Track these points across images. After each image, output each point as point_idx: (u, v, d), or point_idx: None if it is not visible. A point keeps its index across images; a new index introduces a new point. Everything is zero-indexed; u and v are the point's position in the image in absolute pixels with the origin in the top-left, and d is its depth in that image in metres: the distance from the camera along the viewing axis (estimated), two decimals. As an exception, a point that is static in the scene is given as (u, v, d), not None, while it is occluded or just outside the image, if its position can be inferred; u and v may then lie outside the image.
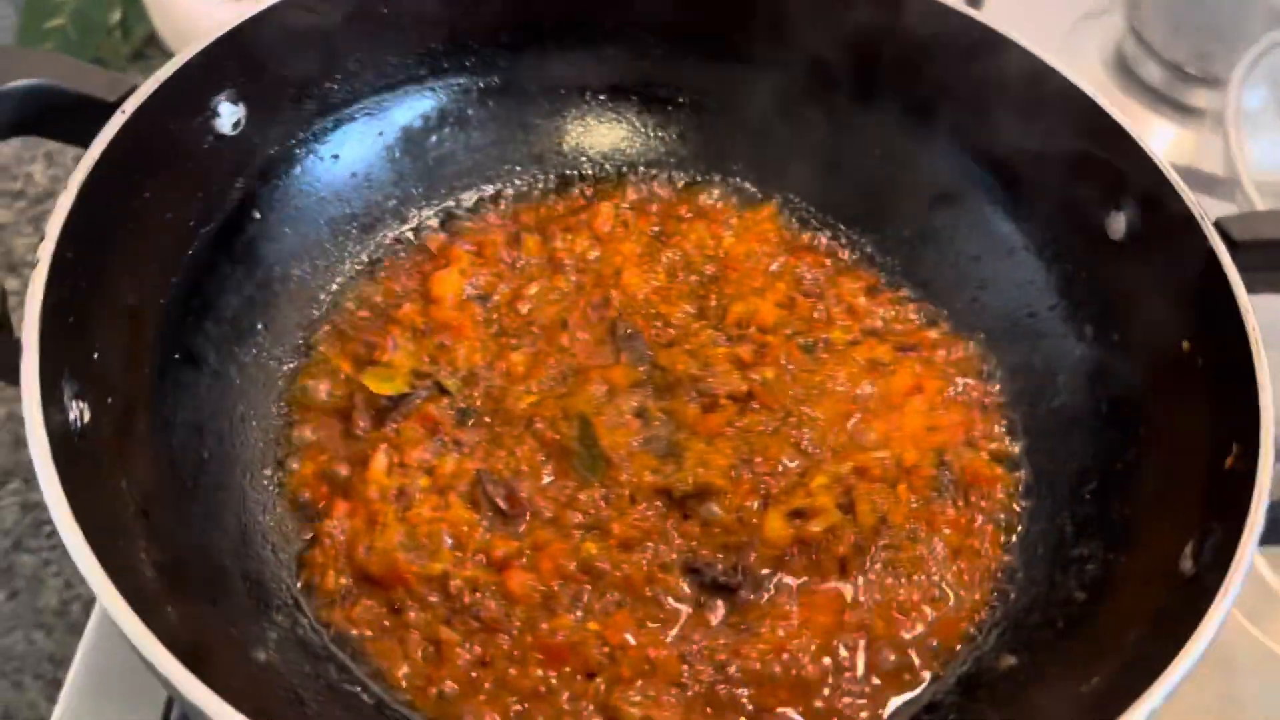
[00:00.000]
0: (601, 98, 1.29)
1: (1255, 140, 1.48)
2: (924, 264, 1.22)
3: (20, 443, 1.29)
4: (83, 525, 0.75)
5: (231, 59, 1.04)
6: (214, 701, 0.70)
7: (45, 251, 0.86)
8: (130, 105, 0.96)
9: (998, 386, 1.15)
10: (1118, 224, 1.07)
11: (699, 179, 1.29)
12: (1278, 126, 1.53)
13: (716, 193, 1.28)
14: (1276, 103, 1.56)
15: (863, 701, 0.95)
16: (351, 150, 1.20)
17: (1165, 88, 1.70)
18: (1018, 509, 1.07)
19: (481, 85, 1.25)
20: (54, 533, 1.21)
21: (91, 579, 0.74)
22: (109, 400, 0.89)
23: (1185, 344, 0.99)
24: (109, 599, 0.73)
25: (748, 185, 1.29)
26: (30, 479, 1.26)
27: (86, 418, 0.85)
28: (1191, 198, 1.00)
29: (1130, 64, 1.73)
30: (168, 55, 1.38)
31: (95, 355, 0.90)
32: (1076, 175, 1.10)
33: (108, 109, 0.96)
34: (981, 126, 1.16)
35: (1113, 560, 0.97)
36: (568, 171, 1.29)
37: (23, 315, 0.82)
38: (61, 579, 1.19)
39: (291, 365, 1.11)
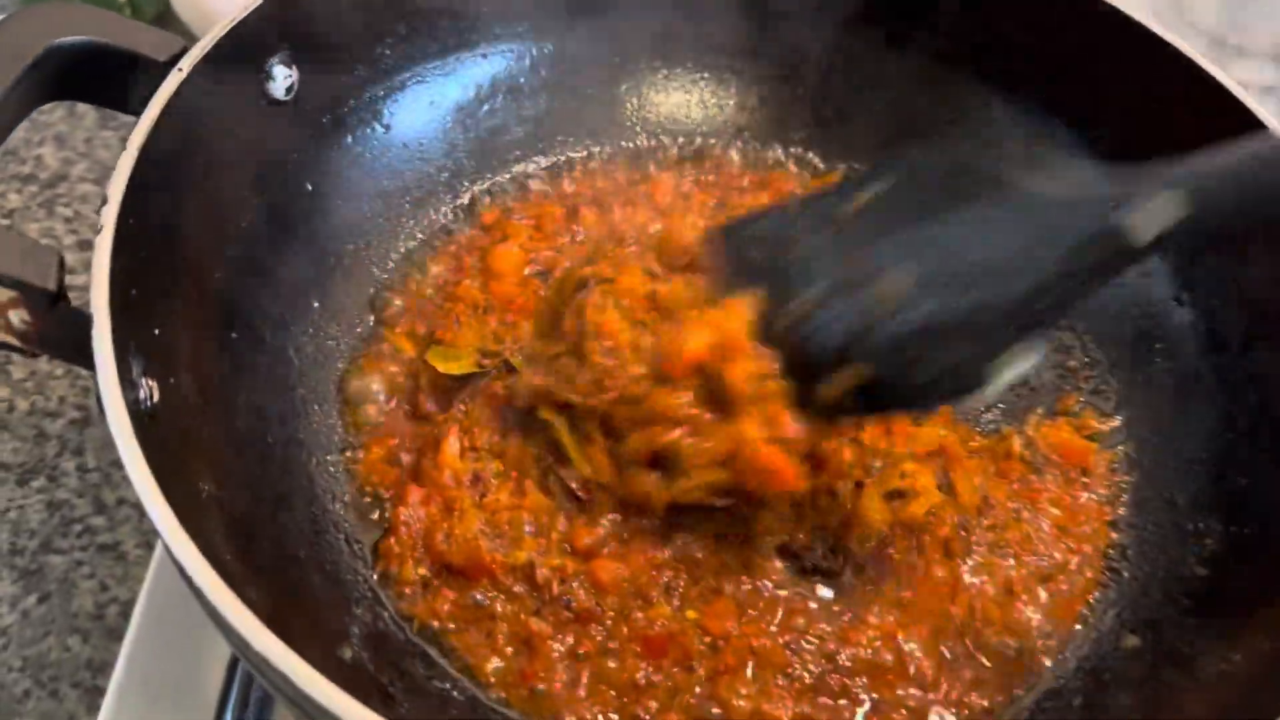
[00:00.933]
0: (657, 64, 1.23)
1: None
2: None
3: (44, 436, 1.21)
4: (175, 509, 0.68)
5: (284, 19, 0.99)
6: (319, 681, 0.64)
7: (110, 215, 0.79)
8: (186, 64, 0.90)
9: (1086, 358, 1.10)
10: (1215, 186, 1.02)
11: (761, 149, 1.23)
12: (1330, 97, 1.50)
13: (779, 163, 1.22)
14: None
15: (983, 689, 0.90)
16: (403, 120, 1.14)
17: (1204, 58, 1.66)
18: (1122, 483, 1.02)
19: (535, 52, 1.19)
20: (84, 532, 1.17)
21: (187, 561, 0.67)
22: (172, 380, 0.83)
23: (1294, 309, 0.95)
24: (204, 578, 0.66)
25: (811, 155, 1.23)
26: (56, 476, 1.19)
27: (155, 397, 0.79)
28: (1297, 150, 0.95)
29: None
30: (184, 34, 1.32)
31: (157, 331, 0.83)
32: (1169, 138, 1.05)
33: (158, 69, 0.90)
34: (1069, 85, 1.11)
35: (1235, 534, 0.93)
36: (624, 143, 1.23)
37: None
38: (95, 580, 1.12)
39: (350, 344, 1.05)
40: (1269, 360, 0.98)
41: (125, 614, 1.07)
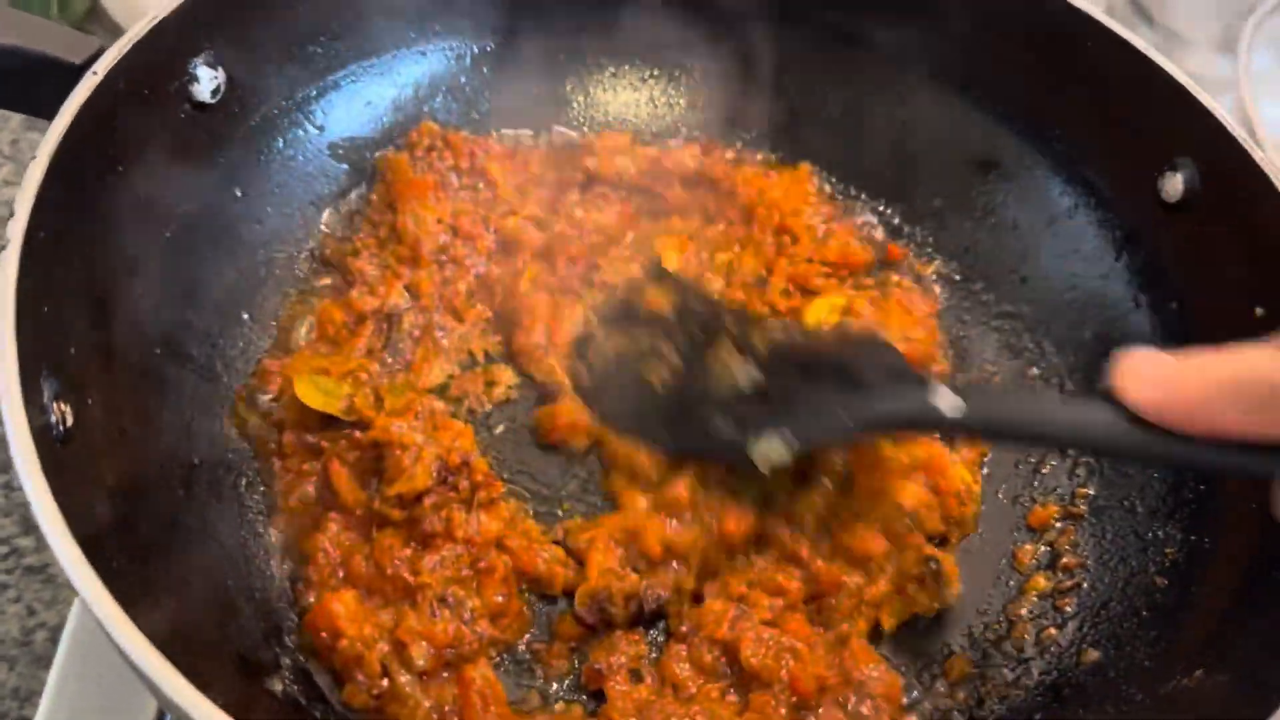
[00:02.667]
0: (604, 61, 1.20)
1: (1268, 103, 1.44)
2: (957, 235, 1.14)
3: (-35, 458, 1.16)
4: (83, 546, 0.63)
5: (210, 18, 0.94)
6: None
7: (16, 230, 0.74)
8: (101, 67, 0.85)
9: (1045, 364, 1.08)
10: (1173, 185, 1.00)
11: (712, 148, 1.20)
12: (1283, 89, 1.49)
13: (731, 161, 1.19)
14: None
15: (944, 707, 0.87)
16: (337, 121, 1.09)
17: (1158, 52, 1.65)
18: (1081, 491, 0.99)
19: (476, 50, 1.15)
20: (10, 554, 1.11)
21: (96, 605, 0.63)
22: (89, 402, 0.78)
23: (1258, 310, 0.93)
24: (115, 624, 0.62)
25: (763, 155, 1.20)
26: (-23, 500, 1.13)
27: (69, 421, 0.74)
28: (1260, 154, 0.94)
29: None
30: (113, 30, 1.27)
31: (73, 351, 0.79)
32: (1125, 135, 1.04)
33: (73, 72, 0.85)
34: (1024, 84, 1.09)
35: (1195, 543, 0.91)
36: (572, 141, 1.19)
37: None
38: (22, 605, 1.07)
39: (284, 359, 1.00)
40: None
41: (54, 640, 1.03)
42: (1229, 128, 0.96)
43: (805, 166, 1.16)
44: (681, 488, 0.90)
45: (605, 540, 0.89)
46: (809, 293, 1.07)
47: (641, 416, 0.93)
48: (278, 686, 0.79)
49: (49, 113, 0.83)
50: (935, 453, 0.95)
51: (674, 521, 0.90)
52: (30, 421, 0.68)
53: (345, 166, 1.09)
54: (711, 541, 0.89)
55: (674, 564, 0.89)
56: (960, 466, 0.95)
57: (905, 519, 0.90)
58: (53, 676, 0.95)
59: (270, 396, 0.96)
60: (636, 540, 0.89)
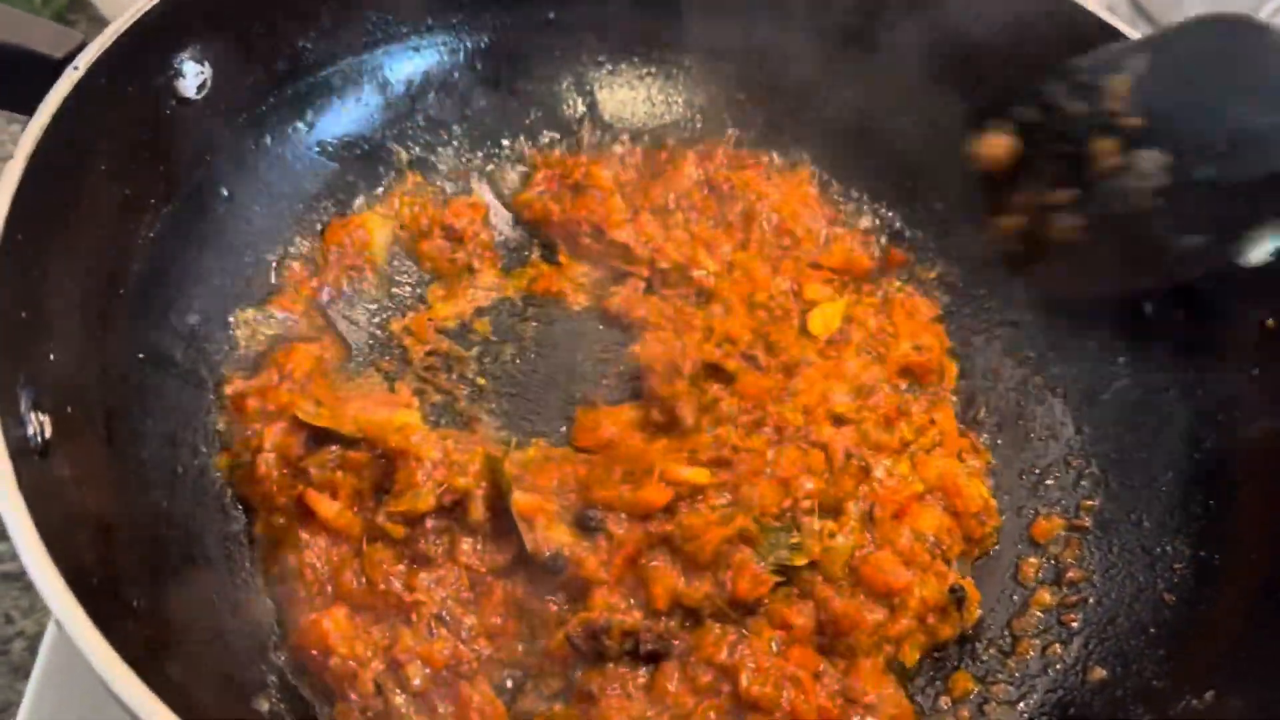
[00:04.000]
0: (601, 59, 1.17)
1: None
2: (960, 239, 1.12)
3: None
4: (59, 564, 0.61)
5: (195, 11, 0.91)
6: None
7: (-7, 230, 0.71)
8: (82, 62, 0.82)
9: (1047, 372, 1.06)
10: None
11: (712, 146, 1.17)
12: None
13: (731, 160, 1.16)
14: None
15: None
16: (326, 119, 1.06)
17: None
18: (1086, 503, 0.97)
19: (469, 45, 1.12)
20: (-16, 560, 1.09)
21: (72, 626, 0.60)
22: (69, 410, 0.76)
23: (1269, 321, 0.92)
24: (90, 644, 0.60)
25: (764, 152, 1.17)
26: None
27: (48, 432, 0.71)
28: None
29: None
30: (96, 20, 1.23)
31: (52, 357, 0.76)
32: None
33: (54, 67, 0.82)
34: (1022, 87, 1.06)
35: (1204, 559, 0.89)
36: (567, 144, 1.16)
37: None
38: (-1, 613, 1.05)
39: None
40: (1237, 377, 0.94)
41: (32, 649, 1.01)
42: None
43: (805, 170, 1.14)
44: (711, 535, 0.85)
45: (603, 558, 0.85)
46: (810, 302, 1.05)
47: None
48: (264, 706, 0.77)
49: (28, 109, 0.81)
50: (948, 471, 0.93)
51: (686, 577, 0.85)
52: (6, 432, 0.65)
53: (335, 165, 1.06)
54: (722, 599, 0.84)
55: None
56: (976, 482, 0.93)
57: (927, 548, 0.88)
58: (31, 687, 0.92)
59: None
60: (644, 585, 0.85)
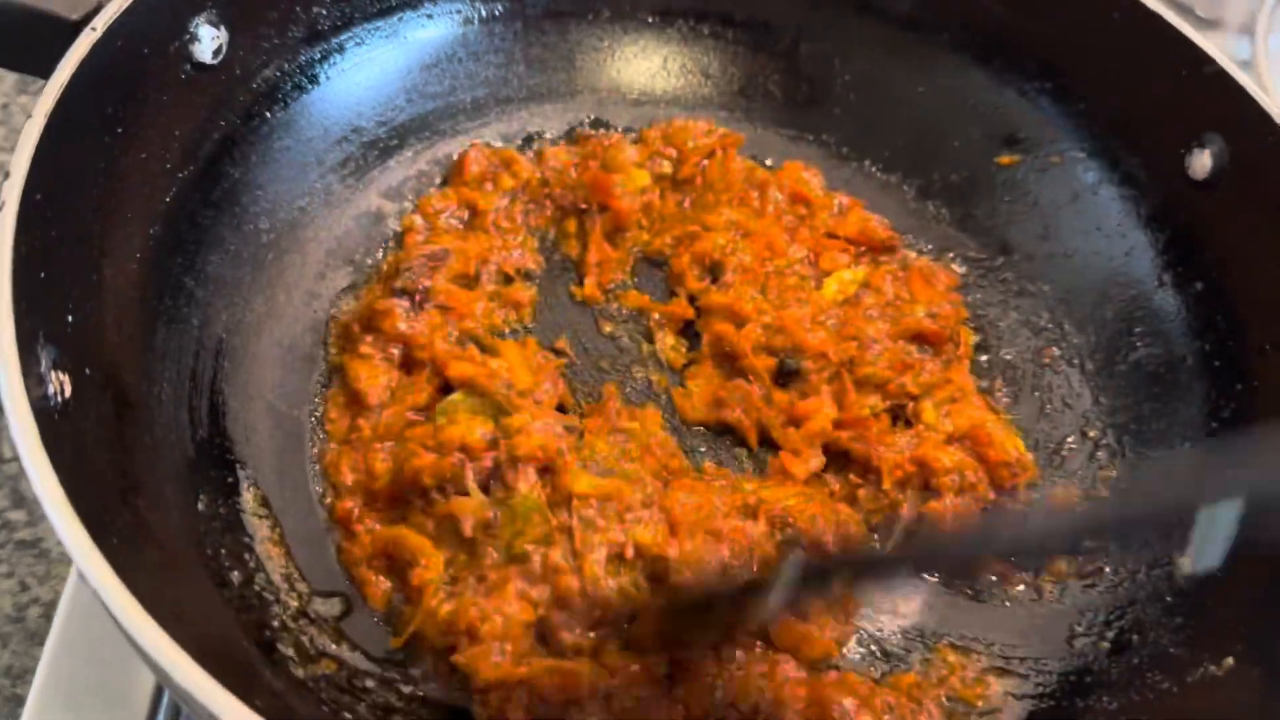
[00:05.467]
0: (618, 30, 1.17)
1: (1287, 84, 1.42)
2: (977, 210, 1.11)
3: (-47, 430, 1.13)
4: (83, 521, 0.61)
5: (211, -26, 0.91)
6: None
7: (12, 191, 0.72)
8: (100, 23, 0.82)
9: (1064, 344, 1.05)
10: (1201, 162, 0.98)
11: (726, 119, 1.17)
12: (1304, 70, 1.47)
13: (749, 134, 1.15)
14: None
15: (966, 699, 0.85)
16: (341, 85, 1.06)
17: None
18: (1103, 474, 0.97)
19: (484, 12, 1.12)
20: (2, 527, 1.09)
21: (96, 579, 0.60)
22: (87, 371, 0.76)
23: (1288, 291, 0.91)
24: (116, 599, 0.60)
25: (779, 128, 1.17)
26: (-36, 470, 1.11)
27: (67, 391, 0.72)
28: (1294, 130, 0.91)
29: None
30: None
31: (70, 319, 0.76)
32: (1152, 110, 1.01)
33: (70, 29, 0.82)
34: (1046, 53, 1.06)
35: (1222, 528, 0.89)
36: (582, 113, 1.16)
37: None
38: (15, 580, 1.05)
39: (292, 330, 0.97)
40: (1255, 346, 0.94)
41: (47, 616, 1.01)
42: (1261, 104, 0.93)
43: (796, 165, 1.13)
44: None
45: None
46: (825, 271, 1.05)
47: None
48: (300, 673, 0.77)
49: (45, 71, 0.80)
50: (979, 419, 0.94)
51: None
52: (29, 392, 0.65)
53: (350, 132, 1.06)
54: None
55: None
56: (1011, 435, 0.94)
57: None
58: (46, 654, 0.93)
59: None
60: None
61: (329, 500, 0.89)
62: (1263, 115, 0.93)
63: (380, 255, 1.04)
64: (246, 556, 0.84)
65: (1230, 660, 0.78)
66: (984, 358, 1.04)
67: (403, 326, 0.93)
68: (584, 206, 1.07)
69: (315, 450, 0.92)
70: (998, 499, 0.93)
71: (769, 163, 1.14)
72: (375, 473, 0.87)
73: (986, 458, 0.92)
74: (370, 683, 0.80)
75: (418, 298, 0.95)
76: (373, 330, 0.94)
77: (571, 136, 1.14)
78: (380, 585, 0.85)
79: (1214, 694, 0.78)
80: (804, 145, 1.16)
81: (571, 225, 1.08)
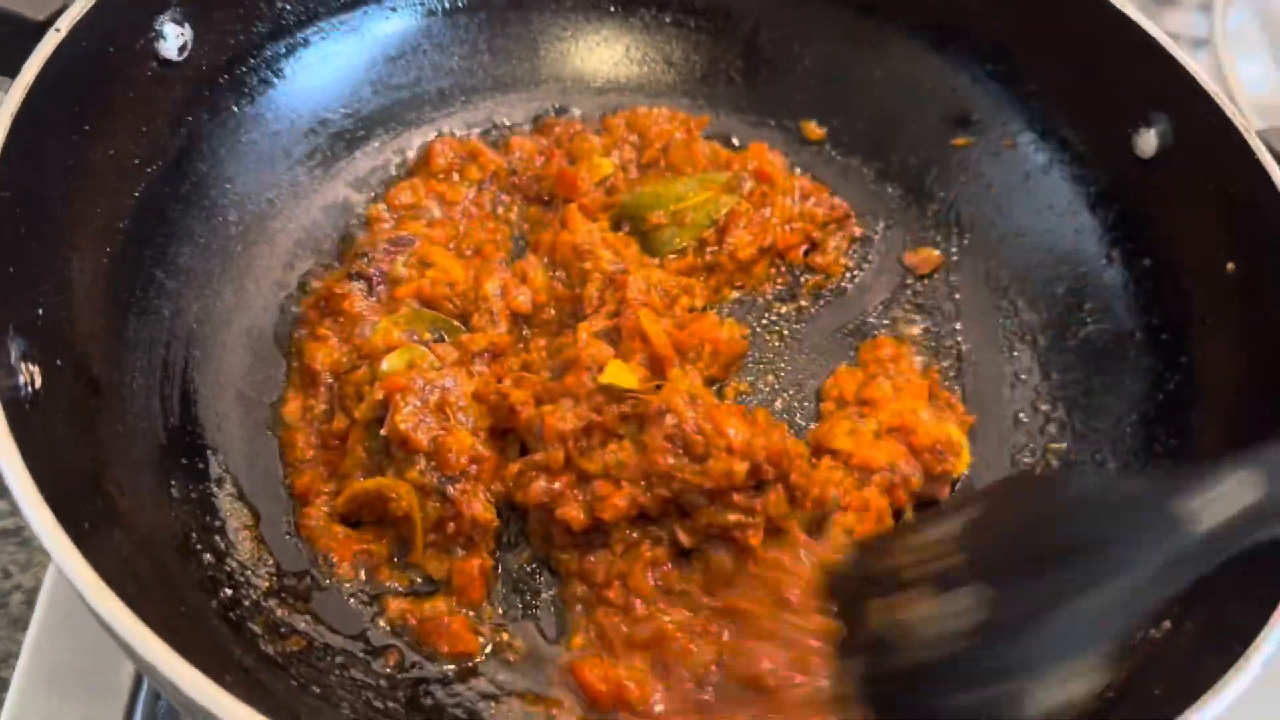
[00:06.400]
0: (579, 18, 1.19)
1: (1244, 62, 1.44)
2: (933, 192, 1.14)
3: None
4: (54, 509, 0.63)
5: (174, -28, 0.92)
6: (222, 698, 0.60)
7: (-21, 188, 0.73)
8: (64, 23, 0.84)
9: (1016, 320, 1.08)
10: (1147, 141, 1.01)
11: (689, 105, 1.19)
12: (1261, 46, 1.49)
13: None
14: (1257, 23, 1.52)
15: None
16: (306, 79, 1.08)
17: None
18: (1052, 446, 1.00)
19: (447, 4, 1.14)
20: (-20, 513, 1.11)
21: (70, 569, 0.63)
22: (58, 363, 0.78)
23: (1229, 265, 0.94)
24: (90, 588, 0.62)
25: (740, 113, 1.19)
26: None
27: (38, 383, 0.74)
28: (1232, 109, 0.94)
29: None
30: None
31: (40, 311, 0.78)
32: (1099, 91, 1.04)
33: (36, 29, 0.84)
34: (994, 41, 1.08)
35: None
36: (544, 103, 1.18)
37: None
38: (-4, 567, 1.07)
39: (261, 319, 1.00)
40: (1198, 317, 0.96)
41: (30, 602, 1.03)
42: (1203, 84, 0.96)
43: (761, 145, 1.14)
44: None
45: None
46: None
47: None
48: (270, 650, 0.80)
49: (11, 70, 0.82)
50: (901, 410, 0.95)
51: None
52: (-1, 384, 0.68)
53: (316, 124, 1.08)
54: None
55: None
56: (943, 424, 0.95)
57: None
58: (29, 639, 0.95)
59: None
60: None
61: (289, 480, 0.91)
62: (1205, 94, 0.95)
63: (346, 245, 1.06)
64: (217, 539, 0.86)
65: (1167, 623, 0.81)
66: (937, 337, 1.07)
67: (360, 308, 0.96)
68: (547, 198, 1.09)
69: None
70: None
71: (735, 141, 1.16)
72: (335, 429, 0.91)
73: (914, 445, 0.93)
74: (339, 659, 0.82)
75: (375, 281, 0.97)
76: (331, 313, 0.97)
77: (537, 125, 1.16)
78: (347, 549, 0.87)
79: (1150, 655, 0.80)
80: (765, 130, 1.18)
81: (537, 212, 1.10)
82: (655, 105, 1.15)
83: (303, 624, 0.83)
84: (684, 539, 0.85)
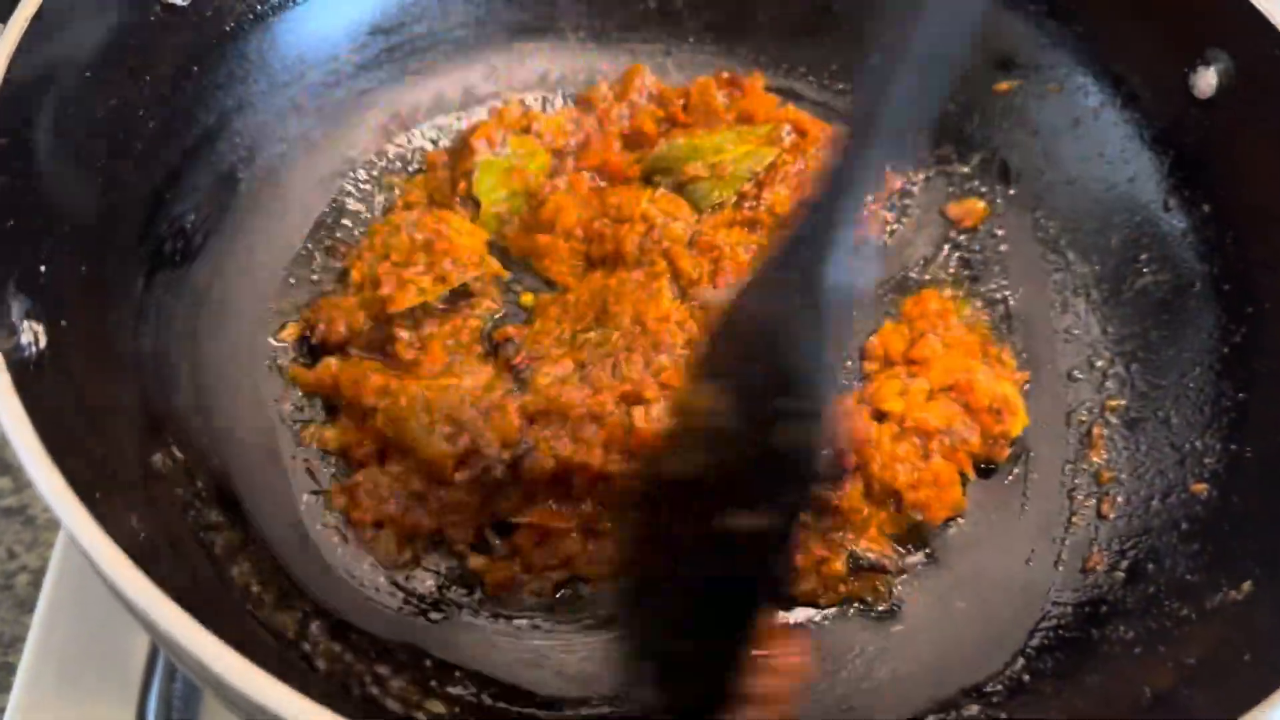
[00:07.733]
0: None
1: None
2: (974, 139, 1.09)
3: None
4: (69, 480, 0.59)
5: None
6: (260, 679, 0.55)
7: (-26, 138, 0.68)
8: (65, -36, 0.78)
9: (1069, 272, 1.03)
10: (1206, 80, 0.95)
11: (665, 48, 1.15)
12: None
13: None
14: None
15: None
16: (314, 27, 1.02)
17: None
18: (1112, 403, 0.95)
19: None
20: (-16, 493, 1.06)
21: (81, 535, 0.58)
22: (63, 323, 0.73)
23: (1298, 211, 0.89)
24: (106, 558, 0.57)
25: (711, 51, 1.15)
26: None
27: (42, 342, 0.69)
28: (1300, 44, 0.89)
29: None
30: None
31: (43, 268, 0.73)
32: (1154, 26, 0.98)
33: (35, -30, 0.78)
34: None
35: (1235, 452, 0.87)
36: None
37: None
38: (2, 548, 1.03)
39: (278, 276, 0.96)
40: (1264, 263, 0.91)
41: (36, 583, 0.98)
42: (1267, 17, 0.90)
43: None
44: None
45: None
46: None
47: None
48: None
49: (3, 14, 0.77)
50: (953, 368, 0.91)
51: None
52: (1, 344, 0.63)
53: (326, 75, 1.03)
54: None
55: None
56: (999, 381, 0.91)
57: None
58: (37, 621, 0.91)
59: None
60: None
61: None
62: (1268, 28, 0.90)
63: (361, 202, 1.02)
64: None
65: (1249, 584, 0.76)
66: (984, 292, 1.02)
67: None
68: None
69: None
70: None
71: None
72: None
73: (971, 405, 0.90)
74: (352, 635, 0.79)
75: None
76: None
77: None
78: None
79: (1234, 618, 0.76)
80: (796, 79, 1.13)
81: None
82: (676, 55, 1.12)
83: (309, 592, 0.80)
84: None
